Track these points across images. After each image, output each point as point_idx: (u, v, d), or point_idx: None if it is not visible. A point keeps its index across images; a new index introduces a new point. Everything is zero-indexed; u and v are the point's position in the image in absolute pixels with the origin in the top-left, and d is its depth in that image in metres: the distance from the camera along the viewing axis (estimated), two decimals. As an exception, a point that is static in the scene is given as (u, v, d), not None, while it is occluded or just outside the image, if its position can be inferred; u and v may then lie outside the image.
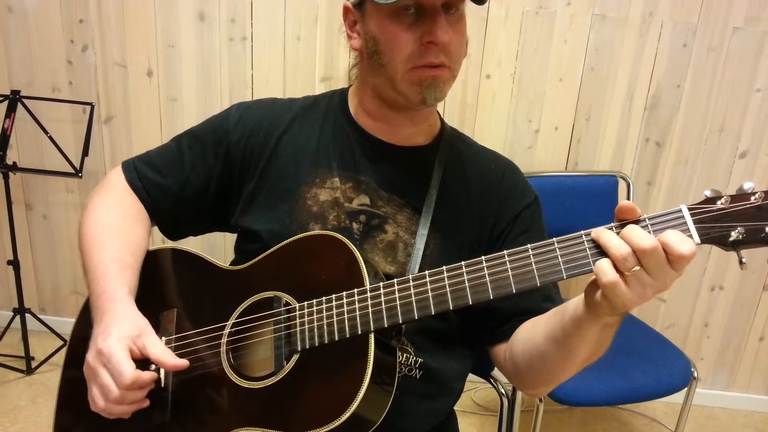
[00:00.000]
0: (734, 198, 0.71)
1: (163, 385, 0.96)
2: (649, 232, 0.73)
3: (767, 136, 2.29)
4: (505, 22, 2.24)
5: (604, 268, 0.72)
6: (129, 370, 0.88)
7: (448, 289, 0.83)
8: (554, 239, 0.78)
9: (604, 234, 0.74)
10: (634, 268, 0.71)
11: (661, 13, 2.19)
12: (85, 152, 2.27)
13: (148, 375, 0.91)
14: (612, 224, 0.75)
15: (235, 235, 1.17)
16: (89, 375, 0.92)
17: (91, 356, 0.91)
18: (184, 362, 0.94)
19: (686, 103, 2.28)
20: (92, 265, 1.01)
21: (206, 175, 1.13)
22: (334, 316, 0.89)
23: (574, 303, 0.84)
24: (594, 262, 0.75)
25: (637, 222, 0.74)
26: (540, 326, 0.95)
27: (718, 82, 2.25)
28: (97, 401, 0.90)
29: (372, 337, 0.86)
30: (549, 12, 2.22)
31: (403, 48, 0.96)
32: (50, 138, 2.23)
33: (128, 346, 0.91)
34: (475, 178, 1.11)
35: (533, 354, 0.95)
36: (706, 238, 0.71)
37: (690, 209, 0.72)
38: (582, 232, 0.76)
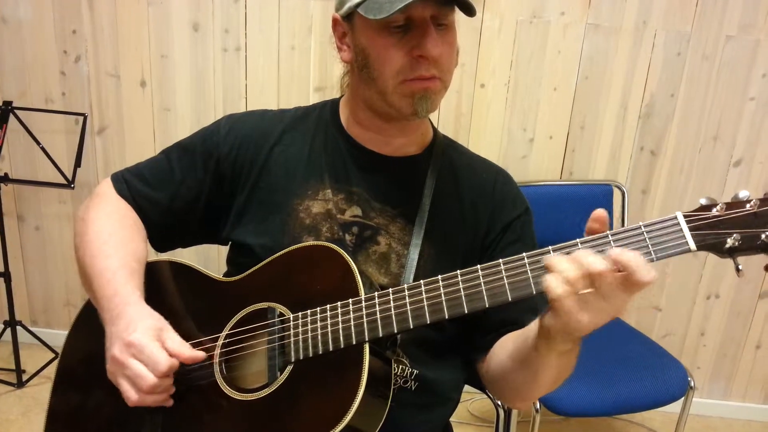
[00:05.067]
0: (730, 205, 0.71)
1: None
2: (606, 250, 0.73)
3: (761, 144, 2.30)
4: (499, 32, 2.25)
5: (552, 283, 0.72)
6: (164, 358, 0.88)
7: (443, 298, 0.82)
8: (549, 247, 0.77)
9: (554, 260, 0.73)
10: (586, 290, 0.71)
11: (655, 21, 2.20)
12: (78, 163, 2.26)
13: (178, 363, 0.91)
14: (578, 240, 0.76)
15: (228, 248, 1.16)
16: (116, 369, 0.90)
17: (117, 350, 0.90)
18: (200, 354, 0.94)
19: (680, 111, 2.29)
20: (97, 272, 1.01)
21: (196, 188, 1.12)
22: (329, 326, 0.88)
23: (535, 327, 0.83)
24: None
25: (601, 238, 0.74)
26: (508, 346, 0.96)
27: (712, 90, 2.26)
28: (130, 394, 0.89)
29: (367, 347, 0.85)
30: (543, 21, 2.23)
31: (394, 62, 0.95)
32: (43, 149, 2.22)
33: (156, 338, 0.90)
34: (467, 186, 1.10)
35: (504, 370, 0.97)
36: (702, 245, 0.71)
37: (686, 216, 0.72)
38: (578, 240, 0.76)
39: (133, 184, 1.14)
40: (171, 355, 0.91)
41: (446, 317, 0.82)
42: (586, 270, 0.70)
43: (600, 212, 0.75)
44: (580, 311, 0.72)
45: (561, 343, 0.79)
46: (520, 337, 0.91)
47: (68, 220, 2.56)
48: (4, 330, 2.45)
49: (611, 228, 0.76)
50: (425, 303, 0.83)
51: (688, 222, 0.72)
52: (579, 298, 0.71)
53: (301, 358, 0.89)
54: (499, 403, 1.66)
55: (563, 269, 0.71)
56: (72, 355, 1.10)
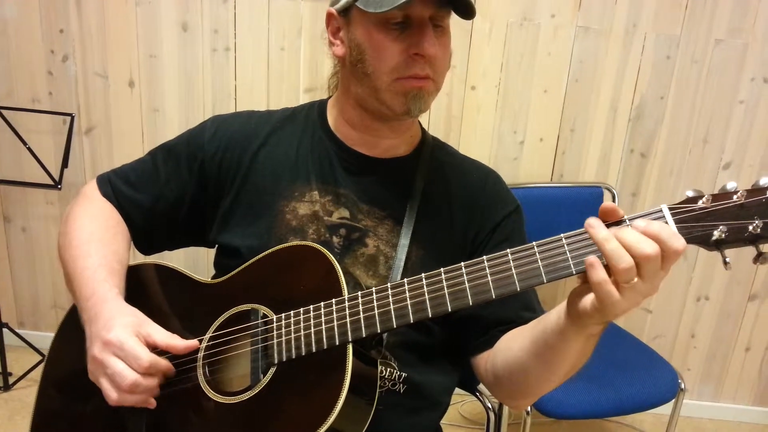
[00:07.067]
0: (716, 197, 0.69)
1: None
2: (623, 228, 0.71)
3: (750, 147, 2.31)
4: (490, 34, 2.25)
5: (603, 278, 0.69)
6: (145, 353, 0.87)
7: (427, 296, 0.81)
8: (534, 243, 0.76)
9: (608, 244, 0.69)
10: (635, 280, 0.69)
11: (644, 25, 2.20)
12: (65, 164, 2.24)
13: (164, 363, 0.90)
14: (561, 235, 0.74)
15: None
16: (96, 369, 0.89)
17: (96, 350, 0.88)
18: (194, 343, 0.92)
19: (670, 114, 2.29)
20: (77, 271, 1.00)
21: (180, 190, 1.11)
22: (312, 327, 0.87)
23: (556, 314, 0.82)
24: (575, 264, 0.73)
25: (619, 223, 0.72)
26: (521, 338, 0.93)
27: (701, 93, 2.26)
28: (110, 393, 0.87)
29: (350, 347, 0.84)
30: (533, 24, 2.23)
31: (389, 58, 0.95)
32: (29, 149, 2.20)
33: (135, 333, 0.89)
34: (456, 187, 1.10)
35: (514, 366, 0.94)
36: (688, 238, 0.70)
37: (671, 209, 0.71)
38: (562, 235, 0.74)
39: (117, 186, 1.13)
40: (162, 347, 0.90)
41: (429, 316, 0.80)
42: (639, 254, 0.67)
43: (608, 205, 0.72)
44: (624, 299, 0.69)
45: (593, 325, 0.76)
46: (537, 327, 0.88)
47: (55, 221, 2.54)
48: (-10, 332, 2.42)
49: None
50: (408, 302, 0.82)
51: (673, 214, 0.71)
52: (623, 287, 0.69)
53: (284, 359, 0.88)
54: (490, 405, 1.65)
55: (616, 256, 0.68)
56: (58, 359, 1.09)
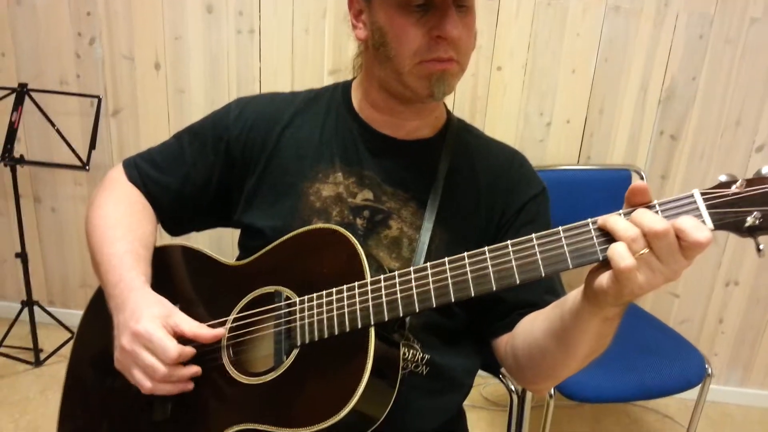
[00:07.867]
0: (750, 182, 0.67)
1: None
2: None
3: (785, 130, 2.25)
4: (517, 14, 2.21)
5: (621, 252, 0.68)
6: (173, 346, 0.88)
7: (450, 281, 0.80)
8: (560, 228, 0.74)
9: (611, 219, 0.71)
10: (643, 251, 0.68)
11: (677, 3, 2.15)
12: (93, 145, 2.26)
13: (190, 350, 0.91)
14: (621, 211, 0.72)
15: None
16: (126, 360, 0.90)
17: (126, 341, 0.89)
18: (220, 332, 0.93)
19: (702, 95, 2.24)
20: (105, 258, 1.01)
21: (207, 172, 1.11)
22: (334, 310, 0.87)
23: (573, 295, 0.81)
24: (602, 250, 0.71)
25: (648, 207, 0.71)
26: (539, 320, 0.92)
27: (734, 74, 2.20)
28: (144, 383, 0.89)
29: (372, 330, 0.84)
30: (561, 3, 2.18)
31: (411, 42, 0.93)
32: (57, 131, 2.23)
33: (162, 325, 0.90)
34: (482, 169, 1.08)
35: (533, 348, 0.93)
36: (720, 224, 0.68)
37: (703, 194, 0.69)
38: (589, 220, 0.73)
39: (143, 170, 1.14)
40: (190, 337, 0.91)
41: (452, 300, 0.80)
42: (647, 229, 0.67)
43: (638, 185, 0.72)
44: (639, 275, 0.69)
45: (609, 307, 0.75)
46: (555, 309, 0.88)
47: (84, 201, 2.58)
48: (21, 310, 2.48)
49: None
50: (431, 286, 0.81)
51: (705, 200, 0.69)
52: (637, 261, 0.68)
53: (307, 342, 0.88)
54: (513, 387, 1.64)
55: (622, 228, 0.69)
56: (86, 337, 1.11)
